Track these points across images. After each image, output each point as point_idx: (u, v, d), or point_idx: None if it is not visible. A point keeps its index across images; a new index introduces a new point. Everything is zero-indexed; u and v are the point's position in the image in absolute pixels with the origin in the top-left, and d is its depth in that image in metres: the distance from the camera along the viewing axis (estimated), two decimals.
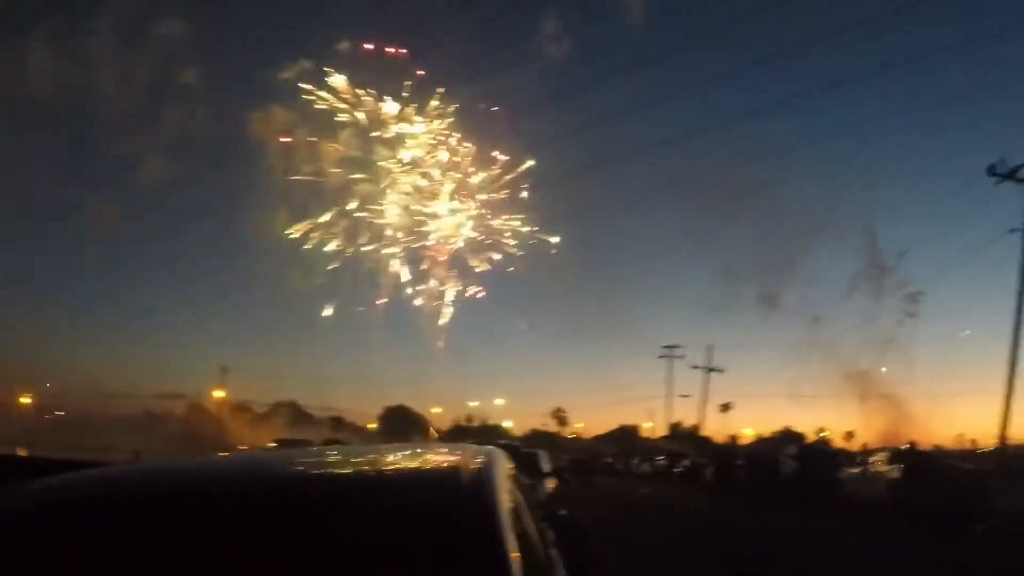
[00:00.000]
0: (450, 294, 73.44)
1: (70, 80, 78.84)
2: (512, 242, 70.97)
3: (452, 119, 67.47)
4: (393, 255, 71.41)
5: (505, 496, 2.77)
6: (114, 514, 2.57)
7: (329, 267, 72.19)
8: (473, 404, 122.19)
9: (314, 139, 68.22)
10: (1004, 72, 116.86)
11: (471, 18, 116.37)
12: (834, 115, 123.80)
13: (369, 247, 70.46)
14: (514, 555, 2.32)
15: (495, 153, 67.78)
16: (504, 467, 3.29)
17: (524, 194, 69.03)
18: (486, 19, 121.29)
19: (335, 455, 4.07)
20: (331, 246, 70.62)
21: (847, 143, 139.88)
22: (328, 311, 76.11)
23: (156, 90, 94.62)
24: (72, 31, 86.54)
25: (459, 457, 3.14)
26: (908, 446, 32.20)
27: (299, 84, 66.10)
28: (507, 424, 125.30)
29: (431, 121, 67.09)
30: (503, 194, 68.87)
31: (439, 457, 3.55)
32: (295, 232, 69.96)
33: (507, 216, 70.17)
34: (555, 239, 72.57)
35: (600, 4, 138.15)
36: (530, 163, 68.32)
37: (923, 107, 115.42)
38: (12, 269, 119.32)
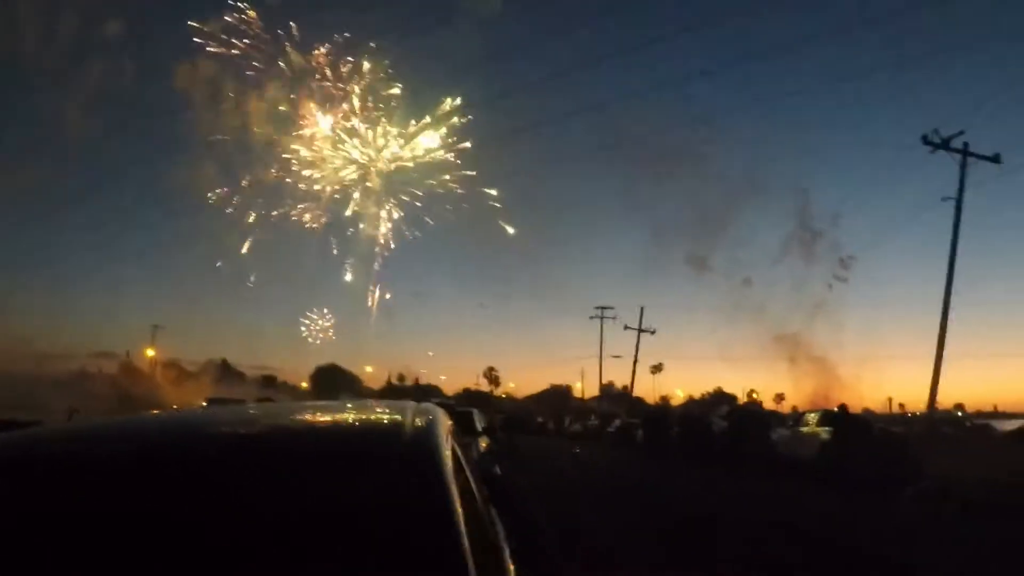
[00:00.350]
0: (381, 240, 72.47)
1: None
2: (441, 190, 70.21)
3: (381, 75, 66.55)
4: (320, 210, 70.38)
5: (448, 452, 2.70)
6: (48, 474, 2.47)
7: (252, 225, 71.41)
8: (405, 363, 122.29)
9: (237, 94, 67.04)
10: (939, 40, 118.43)
11: None
12: (769, 81, 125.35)
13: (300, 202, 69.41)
14: (458, 509, 2.24)
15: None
16: (444, 423, 3.20)
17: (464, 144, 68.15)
18: None
19: (276, 411, 3.98)
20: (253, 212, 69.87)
21: (781, 109, 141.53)
22: (253, 274, 75.38)
23: (79, 44, 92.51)
24: None
25: (399, 413, 3.03)
26: (840, 408, 32.43)
27: (223, 36, 64.78)
28: (439, 383, 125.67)
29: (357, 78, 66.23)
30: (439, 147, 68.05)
31: (379, 413, 3.46)
32: (214, 199, 69.22)
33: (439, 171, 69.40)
34: (493, 192, 72.10)
35: None
36: (456, 101, 67.24)
37: (858, 75, 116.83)
38: None
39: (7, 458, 2.65)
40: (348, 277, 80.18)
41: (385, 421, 3.21)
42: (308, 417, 3.42)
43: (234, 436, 2.88)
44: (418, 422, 2.88)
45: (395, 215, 71.49)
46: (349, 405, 3.79)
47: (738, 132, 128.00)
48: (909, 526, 17.41)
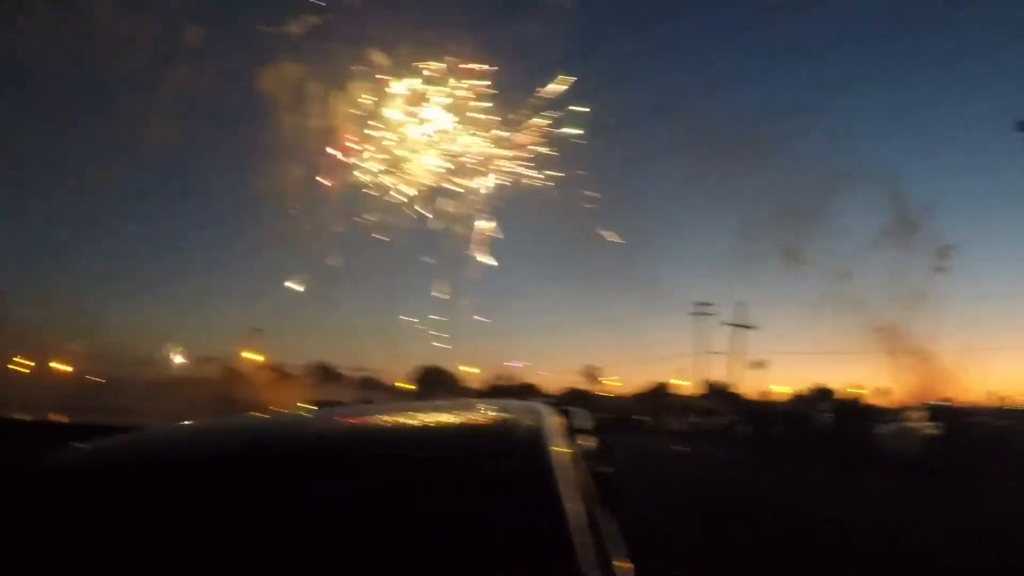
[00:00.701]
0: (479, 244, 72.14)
1: (72, 46, 78.59)
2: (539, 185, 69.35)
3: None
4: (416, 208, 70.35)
5: (558, 450, 2.73)
6: (148, 476, 2.57)
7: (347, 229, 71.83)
8: (505, 363, 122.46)
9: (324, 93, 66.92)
10: None
11: None
12: (860, 68, 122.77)
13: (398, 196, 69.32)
14: (571, 507, 2.29)
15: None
16: (555, 421, 3.24)
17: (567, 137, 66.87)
18: None
19: (386, 412, 3.88)
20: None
21: (873, 97, 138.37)
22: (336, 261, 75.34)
23: (161, 50, 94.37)
24: None
25: (509, 412, 3.10)
26: (944, 402, 31.98)
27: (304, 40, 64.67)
28: (542, 383, 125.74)
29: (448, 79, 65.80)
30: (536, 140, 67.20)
31: (488, 412, 3.44)
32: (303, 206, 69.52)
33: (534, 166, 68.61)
34: (590, 193, 71.46)
35: None
36: (565, 84, 65.70)
37: (952, 60, 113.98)
38: (41, 238, 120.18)
39: (115, 460, 2.81)
40: (444, 279, 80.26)
41: (495, 420, 3.21)
42: (420, 418, 3.37)
43: (349, 438, 2.93)
44: (528, 421, 2.90)
45: (491, 220, 70.83)
46: (457, 405, 3.78)
47: (831, 122, 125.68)
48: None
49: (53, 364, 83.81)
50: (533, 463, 2.48)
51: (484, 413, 3.46)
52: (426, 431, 3.03)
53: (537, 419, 2.95)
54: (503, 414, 3.20)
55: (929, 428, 30.17)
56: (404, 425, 3.16)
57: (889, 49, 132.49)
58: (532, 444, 2.64)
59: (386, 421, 3.31)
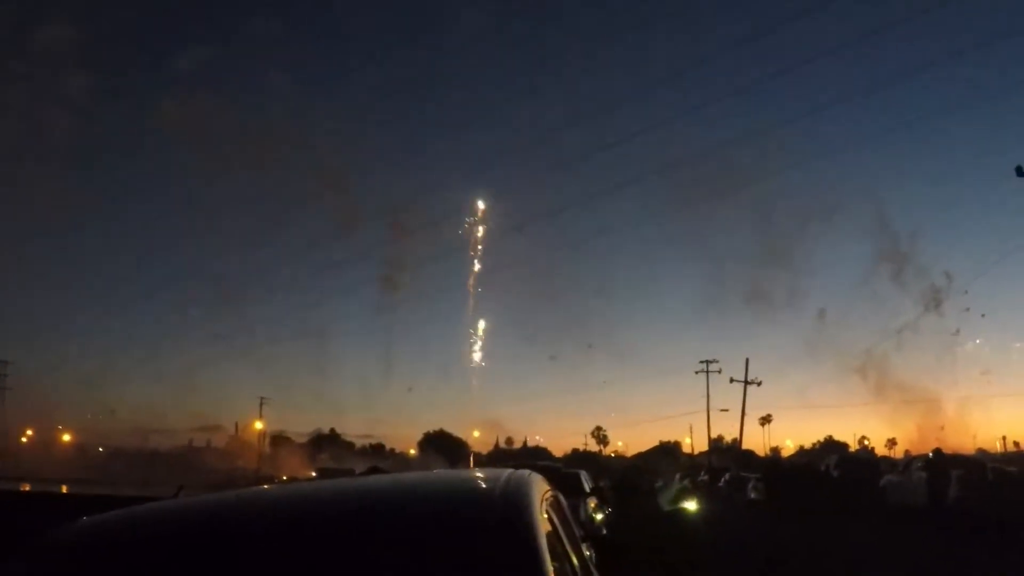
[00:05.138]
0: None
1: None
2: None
3: None
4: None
5: (542, 520, 2.77)
6: (156, 551, 2.62)
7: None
8: (513, 427, 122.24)
9: None
10: None
11: None
12: (855, 124, 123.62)
13: None
14: None
15: None
16: (541, 490, 3.29)
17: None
18: None
19: (371, 484, 4.11)
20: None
21: (871, 149, 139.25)
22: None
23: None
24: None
25: (495, 482, 3.10)
26: (934, 452, 32.27)
27: None
28: (547, 445, 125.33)
29: None
30: None
31: (476, 483, 3.53)
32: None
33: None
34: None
35: None
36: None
37: (946, 110, 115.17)
38: (50, 310, 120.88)
39: (111, 537, 2.83)
40: (452, 346, 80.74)
41: (479, 491, 3.25)
42: (403, 491, 3.45)
43: (330, 513, 2.94)
44: (512, 490, 2.91)
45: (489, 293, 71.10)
46: (445, 477, 3.88)
47: (831, 175, 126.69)
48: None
49: (58, 434, 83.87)
50: (511, 535, 2.52)
51: (468, 484, 3.58)
52: (404, 506, 3.03)
53: (521, 488, 2.99)
54: (486, 484, 3.23)
55: (938, 476, 30.07)
56: (386, 501, 3.21)
57: (888, 103, 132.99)
58: (514, 515, 2.67)
59: (368, 497, 3.33)
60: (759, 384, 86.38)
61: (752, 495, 49.91)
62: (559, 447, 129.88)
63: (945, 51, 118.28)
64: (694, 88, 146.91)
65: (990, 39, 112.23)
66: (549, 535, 2.74)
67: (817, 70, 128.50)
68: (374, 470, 48.18)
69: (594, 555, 4.73)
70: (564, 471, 22.55)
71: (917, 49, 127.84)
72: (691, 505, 45.00)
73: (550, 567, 2.40)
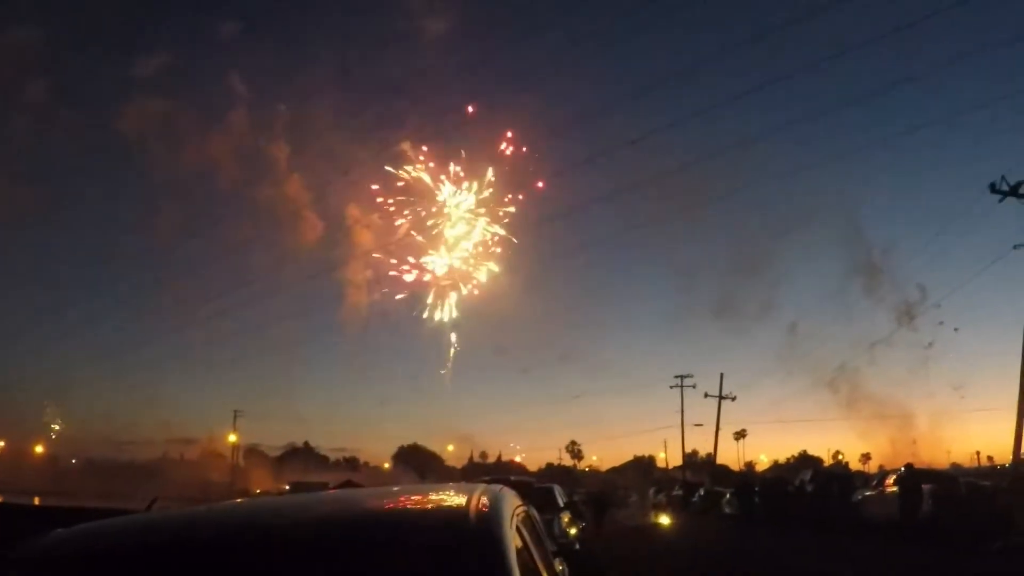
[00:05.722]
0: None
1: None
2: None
3: None
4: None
5: (513, 536, 2.78)
6: (129, 564, 2.61)
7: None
8: (487, 441, 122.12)
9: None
10: (1006, 87, 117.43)
11: None
12: (829, 138, 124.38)
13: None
14: None
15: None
16: (512, 505, 3.29)
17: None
18: None
19: (344, 499, 4.11)
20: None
21: (844, 163, 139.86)
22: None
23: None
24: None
25: (466, 498, 3.10)
26: (905, 467, 32.54)
27: None
28: (521, 459, 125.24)
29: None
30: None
31: (446, 499, 3.53)
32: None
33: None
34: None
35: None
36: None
37: (924, 124, 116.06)
38: (24, 319, 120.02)
39: (83, 550, 2.81)
40: (426, 359, 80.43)
41: (449, 507, 3.23)
42: (373, 507, 3.45)
43: (300, 529, 2.92)
44: (483, 506, 2.90)
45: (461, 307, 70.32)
46: (417, 493, 3.83)
47: (805, 189, 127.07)
48: None
49: (30, 446, 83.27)
50: (479, 551, 2.54)
51: (439, 499, 3.59)
52: (372, 522, 3.03)
53: (491, 504, 2.99)
54: (456, 500, 3.22)
55: (911, 491, 30.19)
56: (358, 516, 3.21)
57: (864, 117, 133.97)
58: (480, 532, 2.68)
59: (338, 512, 3.34)
60: (734, 399, 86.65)
61: (727, 510, 50.10)
62: (534, 461, 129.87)
63: (918, 66, 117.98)
64: (666, 103, 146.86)
65: (963, 55, 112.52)
66: (520, 550, 2.75)
67: (790, 85, 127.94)
68: (348, 484, 48.04)
69: (567, 570, 4.70)
70: (537, 486, 22.49)
71: (891, 64, 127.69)
72: (665, 519, 45.31)
73: None
